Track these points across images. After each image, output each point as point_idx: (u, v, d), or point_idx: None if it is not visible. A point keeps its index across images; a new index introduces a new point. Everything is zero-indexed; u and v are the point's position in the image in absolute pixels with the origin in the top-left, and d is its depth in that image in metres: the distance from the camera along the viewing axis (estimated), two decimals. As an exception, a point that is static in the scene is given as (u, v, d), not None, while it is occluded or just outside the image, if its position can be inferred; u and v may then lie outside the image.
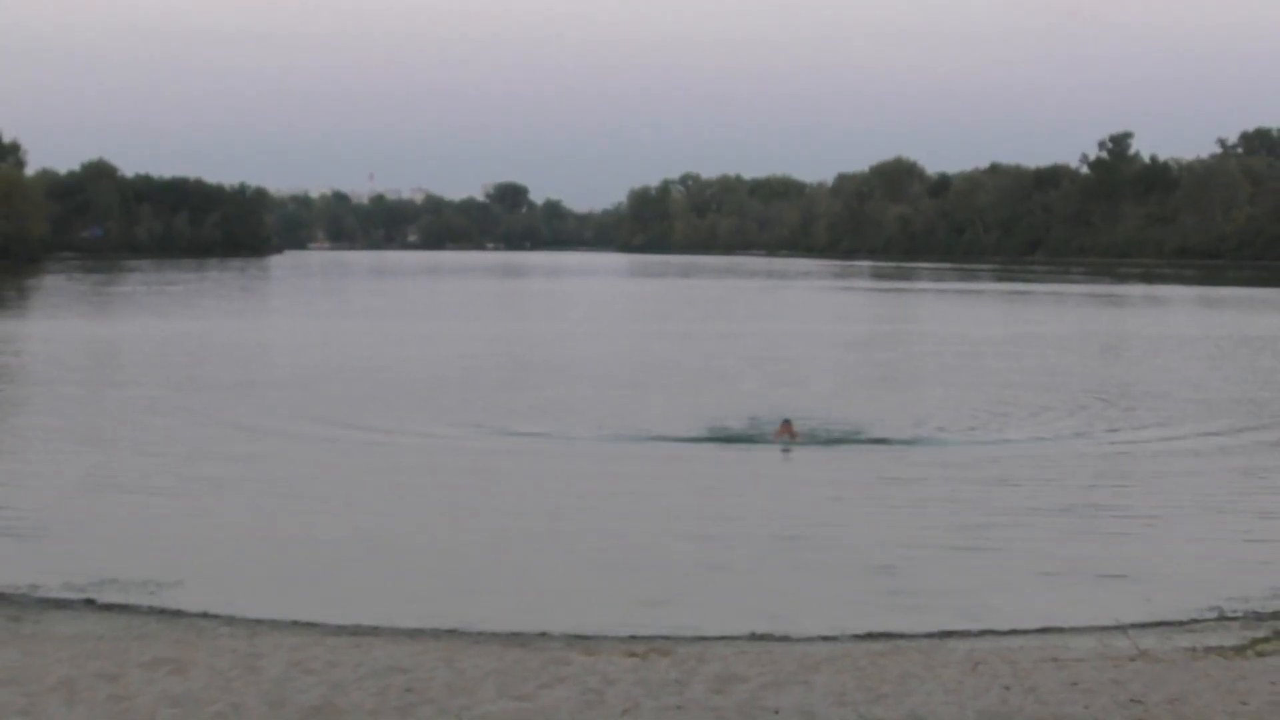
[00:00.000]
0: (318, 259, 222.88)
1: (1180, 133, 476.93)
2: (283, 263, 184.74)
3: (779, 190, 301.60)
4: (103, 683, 9.86)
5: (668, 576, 14.87)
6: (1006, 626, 12.68)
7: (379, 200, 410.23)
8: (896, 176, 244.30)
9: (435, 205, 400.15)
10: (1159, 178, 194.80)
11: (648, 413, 28.03)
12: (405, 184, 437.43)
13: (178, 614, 13.12)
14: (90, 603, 13.54)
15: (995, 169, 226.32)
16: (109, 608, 13.36)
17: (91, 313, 65.94)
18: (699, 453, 22.89)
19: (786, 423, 23.68)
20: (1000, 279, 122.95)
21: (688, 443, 23.64)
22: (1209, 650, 11.30)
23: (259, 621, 12.78)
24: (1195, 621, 12.96)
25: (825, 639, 12.18)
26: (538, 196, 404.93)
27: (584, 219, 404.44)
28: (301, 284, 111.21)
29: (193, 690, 9.64)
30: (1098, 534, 16.98)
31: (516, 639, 12.01)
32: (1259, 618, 13.11)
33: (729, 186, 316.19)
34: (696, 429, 24.92)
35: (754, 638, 12.22)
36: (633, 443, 23.68)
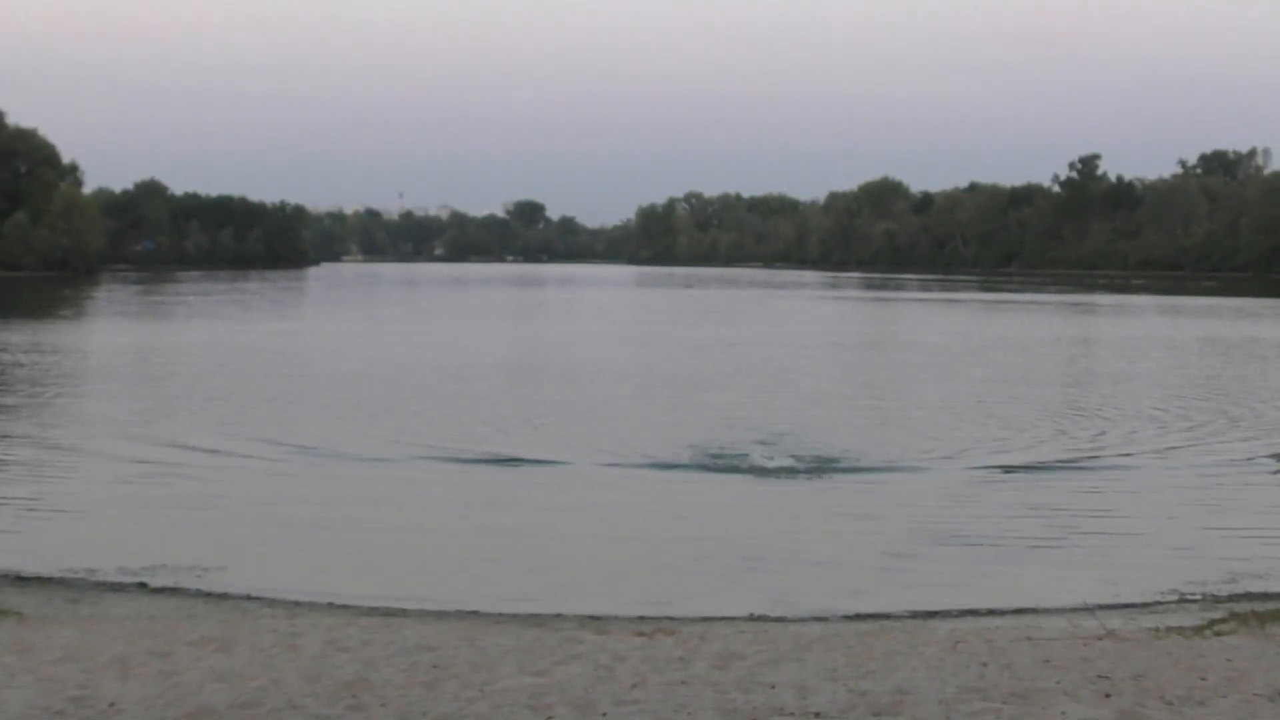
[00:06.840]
0: (351, 271, 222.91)
1: (1144, 155, 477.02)
2: (319, 274, 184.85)
3: (775, 207, 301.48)
4: (154, 659, 9.88)
5: (671, 567, 14.87)
6: (985, 608, 12.68)
7: (408, 216, 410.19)
8: (883, 195, 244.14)
9: (459, 221, 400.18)
10: (1125, 196, 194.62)
11: (650, 421, 27.97)
12: (432, 201, 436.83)
13: (223, 596, 13.15)
14: (143, 586, 13.57)
15: (974, 188, 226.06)
16: (160, 590, 13.39)
17: (139, 319, 66.01)
18: (700, 463, 22.33)
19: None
20: (983, 289, 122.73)
21: (689, 453, 22.82)
22: (1171, 630, 11.28)
23: (298, 603, 12.80)
24: (1158, 604, 12.95)
25: (818, 619, 12.18)
26: (554, 213, 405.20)
27: (596, 234, 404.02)
28: (337, 294, 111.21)
29: (237, 666, 9.66)
30: (1070, 527, 16.95)
31: (534, 620, 12.02)
32: (1216, 600, 13.11)
33: (729, 204, 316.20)
34: (696, 443, 23.49)
35: (752, 619, 12.22)
36: (635, 452, 23.24)
